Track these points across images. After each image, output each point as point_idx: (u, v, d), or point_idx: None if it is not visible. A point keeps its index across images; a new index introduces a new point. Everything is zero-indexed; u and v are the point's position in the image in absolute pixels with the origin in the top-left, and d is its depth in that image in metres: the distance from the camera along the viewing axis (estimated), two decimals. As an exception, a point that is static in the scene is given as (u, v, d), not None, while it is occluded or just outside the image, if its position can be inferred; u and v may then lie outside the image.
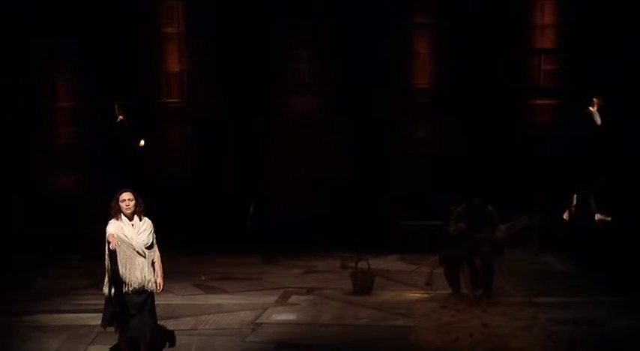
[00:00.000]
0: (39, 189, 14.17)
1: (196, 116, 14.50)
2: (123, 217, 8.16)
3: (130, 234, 8.12)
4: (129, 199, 8.18)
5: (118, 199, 8.20)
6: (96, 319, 8.84)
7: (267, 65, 14.38)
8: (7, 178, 14.09)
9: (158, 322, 8.82)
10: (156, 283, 8.25)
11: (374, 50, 14.28)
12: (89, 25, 13.89)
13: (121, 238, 8.06)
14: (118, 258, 8.08)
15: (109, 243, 8.00)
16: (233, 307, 10.34)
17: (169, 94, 14.47)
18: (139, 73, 14.31)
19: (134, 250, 8.10)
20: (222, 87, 14.43)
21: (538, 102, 14.45)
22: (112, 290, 8.16)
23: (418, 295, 10.89)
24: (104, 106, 14.19)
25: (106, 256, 8.14)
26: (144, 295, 8.17)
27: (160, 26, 14.36)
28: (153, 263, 8.22)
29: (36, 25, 13.81)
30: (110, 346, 8.73)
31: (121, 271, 8.07)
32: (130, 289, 8.10)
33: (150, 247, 8.20)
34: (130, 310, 8.15)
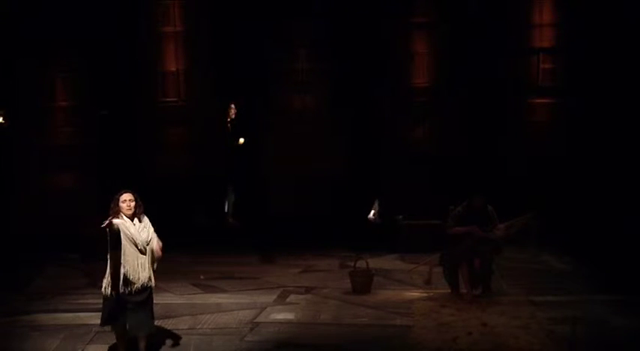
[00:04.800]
0: (39, 189, 14.17)
1: (194, 116, 14.52)
2: (124, 217, 8.16)
3: (133, 231, 8.13)
4: (129, 200, 8.16)
5: (119, 199, 8.18)
6: (95, 318, 8.84)
7: (265, 64, 14.40)
8: (7, 178, 14.10)
9: (157, 321, 8.81)
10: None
11: (373, 49, 14.30)
12: (87, 24, 13.90)
13: (124, 234, 8.09)
14: (123, 256, 8.08)
15: (111, 234, 8.01)
16: (232, 306, 10.33)
17: (167, 94, 14.49)
18: (137, 73, 14.33)
19: (137, 248, 8.11)
20: (220, 86, 14.45)
21: (537, 101, 14.46)
22: (116, 290, 8.15)
23: (417, 294, 10.88)
24: (102, 105, 14.25)
25: (108, 255, 8.16)
26: (145, 293, 8.18)
27: (157, 26, 14.38)
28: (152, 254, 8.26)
29: (35, 25, 13.81)
30: (108, 346, 8.72)
31: (124, 269, 8.08)
32: (134, 287, 8.10)
33: (149, 244, 8.22)
34: (131, 308, 8.16)
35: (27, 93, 14.17)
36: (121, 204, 8.15)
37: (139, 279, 8.11)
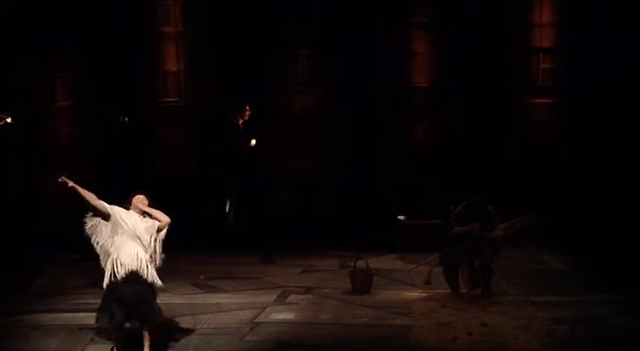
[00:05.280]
0: (39, 189, 14.16)
1: (195, 116, 14.53)
2: (132, 210, 8.33)
3: (135, 220, 8.22)
4: (143, 199, 8.42)
5: (133, 197, 8.40)
6: (94, 318, 8.83)
7: (265, 64, 14.41)
8: (6, 178, 14.09)
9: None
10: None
11: (373, 49, 14.30)
12: (87, 24, 13.90)
13: (124, 222, 8.19)
14: (115, 244, 8.15)
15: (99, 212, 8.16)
16: (232, 306, 10.34)
17: (167, 94, 14.49)
18: (137, 73, 14.34)
19: (134, 234, 8.18)
20: (221, 86, 14.46)
21: (537, 101, 14.47)
22: (113, 279, 8.16)
23: (417, 294, 10.89)
24: (102, 105, 14.26)
25: (104, 249, 8.19)
26: (141, 286, 8.18)
27: (157, 25, 14.38)
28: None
29: (35, 25, 13.80)
30: (108, 346, 8.72)
31: (118, 255, 8.11)
32: (125, 271, 8.10)
33: (147, 234, 8.24)
34: (129, 300, 8.15)
35: (27, 93, 14.15)
36: (134, 201, 8.34)
37: (131, 264, 8.11)
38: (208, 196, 14.32)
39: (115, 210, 8.31)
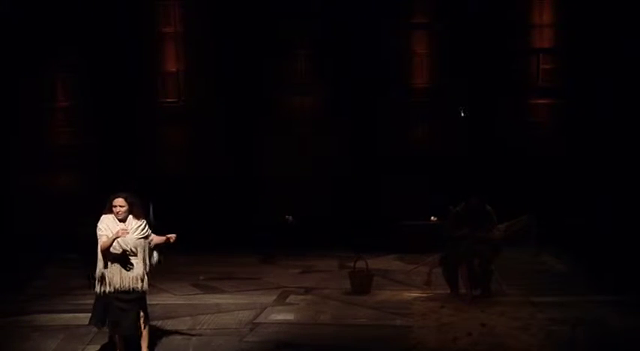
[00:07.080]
0: (39, 189, 14.17)
1: (194, 116, 14.54)
2: (115, 218, 8.10)
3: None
4: (120, 206, 8.08)
5: (112, 203, 8.11)
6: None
7: (265, 65, 14.41)
8: (6, 178, 14.10)
9: (156, 321, 8.81)
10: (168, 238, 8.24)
11: (373, 50, 14.31)
12: (88, 25, 13.92)
13: (115, 241, 8.03)
14: (110, 256, 8.04)
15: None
16: (231, 306, 10.34)
17: (167, 94, 14.51)
18: (137, 73, 14.34)
19: (126, 249, 8.06)
20: (220, 87, 14.46)
21: (537, 101, 14.48)
22: (103, 289, 8.12)
23: (417, 294, 10.89)
24: (102, 105, 14.27)
25: (99, 255, 8.11)
26: (133, 294, 8.13)
27: (157, 26, 14.39)
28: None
29: (35, 26, 13.82)
30: (108, 346, 8.72)
31: (112, 270, 8.04)
32: (122, 287, 8.06)
33: (142, 244, 8.16)
34: (122, 307, 8.12)
35: (27, 93, 14.17)
36: (112, 208, 8.10)
37: (122, 279, 8.05)
38: (207, 196, 14.32)
39: (108, 232, 8.14)
